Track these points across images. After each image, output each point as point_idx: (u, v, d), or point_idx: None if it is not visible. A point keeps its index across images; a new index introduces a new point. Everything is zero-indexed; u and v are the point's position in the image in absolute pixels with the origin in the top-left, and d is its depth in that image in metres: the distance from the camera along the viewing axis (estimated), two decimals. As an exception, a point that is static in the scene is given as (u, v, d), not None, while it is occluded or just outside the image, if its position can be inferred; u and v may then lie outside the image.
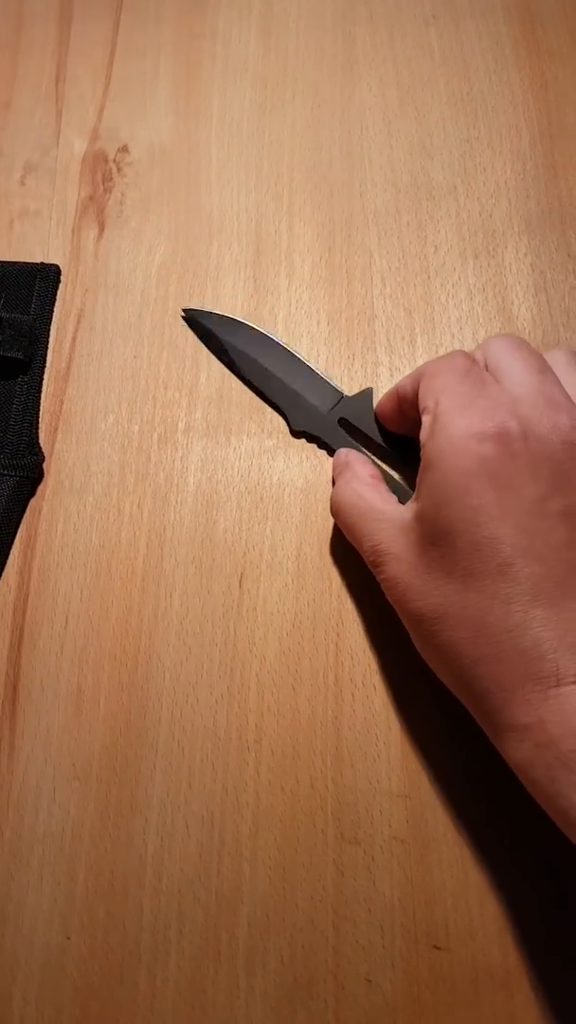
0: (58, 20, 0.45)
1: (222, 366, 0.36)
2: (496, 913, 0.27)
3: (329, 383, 0.34)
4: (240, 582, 0.32)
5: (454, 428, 0.26)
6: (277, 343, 0.35)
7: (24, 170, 0.41)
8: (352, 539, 0.30)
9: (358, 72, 0.43)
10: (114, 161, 0.41)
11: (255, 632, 0.32)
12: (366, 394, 0.32)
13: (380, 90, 0.42)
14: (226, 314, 0.36)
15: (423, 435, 0.27)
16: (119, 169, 0.41)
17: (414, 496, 0.27)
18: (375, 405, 0.33)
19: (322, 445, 0.34)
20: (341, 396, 0.34)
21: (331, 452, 0.34)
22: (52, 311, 0.38)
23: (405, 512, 0.28)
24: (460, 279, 0.38)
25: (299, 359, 0.35)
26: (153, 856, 0.29)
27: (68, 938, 0.28)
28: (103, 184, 0.41)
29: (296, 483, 0.34)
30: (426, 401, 0.28)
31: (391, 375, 0.36)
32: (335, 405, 0.34)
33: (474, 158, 0.40)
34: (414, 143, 0.41)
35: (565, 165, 0.40)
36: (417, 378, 0.30)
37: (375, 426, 0.33)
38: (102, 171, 0.41)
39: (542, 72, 0.42)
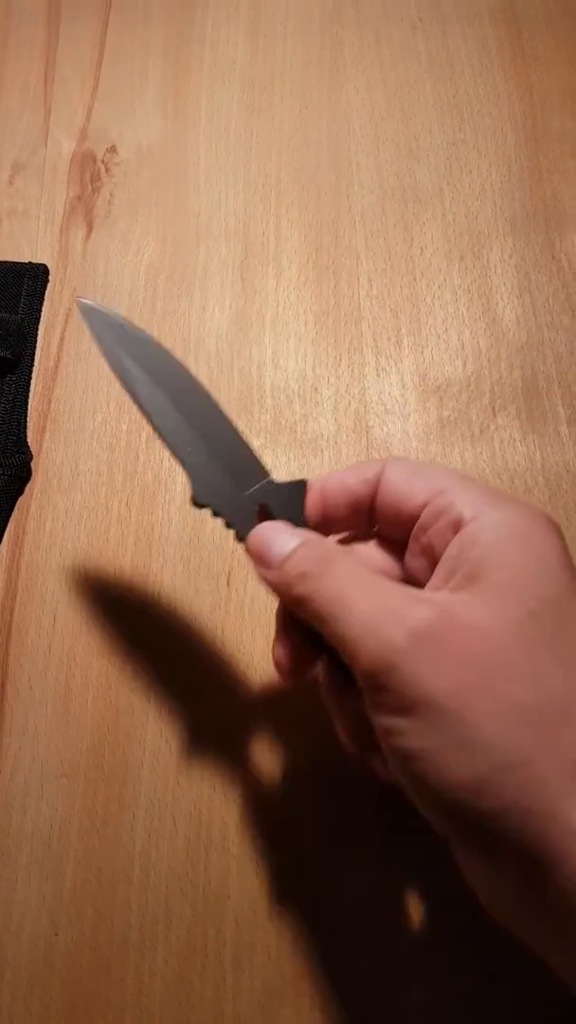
0: (46, 21, 0.45)
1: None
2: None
3: (256, 458, 0.27)
4: (228, 580, 0.33)
5: (522, 505, 0.23)
6: (201, 387, 0.27)
7: (12, 170, 0.41)
8: (357, 640, 0.21)
9: (345, 75, 0.43)
10: (102, 161, 0.41)
11: (243, 630, 0.32)
12: (298, 485, 0.26)
13: (367, 93, 0.43)
14: (140, 329, 0.27)
15: (470, 511, 0.23)
16: (107, 169, 0.41)
17: (467, 574, 0.22)
18: (308, 500, 0.26)
19: (229, 526, 0.26)
20: (267, 478, 0.26)
21: (239, 537, 0.26)
22: (40, 310, 0.38)
23: (458, 592, 0.22)
24: (446, 280, 0.38)
25: (224, 415, 0.27)
26: (141, 852, 0.29)
27: (56, 934, 0.28)
28: (91, 184, 0.41)
29: (283, 482, 0.34)
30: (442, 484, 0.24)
31: (377, 375, 0.36)
32: (257, 486, 0.26)
33: (460, 160, 0.41)
34: (400, 145, 0.41)
35: (549, 168, 0.41)
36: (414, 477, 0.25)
37: (304, 524, 0.26)
38: (90, 171, 0.41)
39: (527, 75, 0.43)
